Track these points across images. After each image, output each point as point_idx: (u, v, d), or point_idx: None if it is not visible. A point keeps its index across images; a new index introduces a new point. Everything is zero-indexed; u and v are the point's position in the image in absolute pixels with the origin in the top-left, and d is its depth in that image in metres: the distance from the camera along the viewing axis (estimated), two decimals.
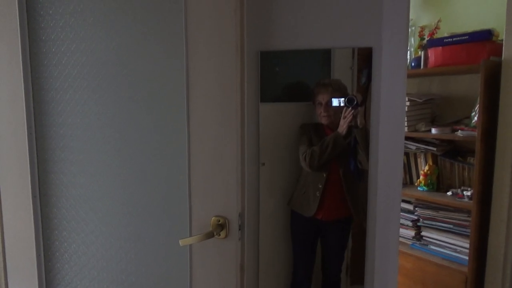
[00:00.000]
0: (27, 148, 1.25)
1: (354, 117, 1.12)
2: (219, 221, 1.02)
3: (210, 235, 0.99)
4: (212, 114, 1.01)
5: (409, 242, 2.24)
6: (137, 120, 1.15)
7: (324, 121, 1.18)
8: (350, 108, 1.12)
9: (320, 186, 1.20)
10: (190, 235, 1.05)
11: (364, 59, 1.09)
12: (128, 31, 1.13)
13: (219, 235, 1.02)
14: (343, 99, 1.13)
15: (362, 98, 1.11)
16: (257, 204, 1.20)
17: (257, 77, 1.16)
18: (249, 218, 1.16)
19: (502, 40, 1.81)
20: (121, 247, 1.23)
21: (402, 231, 2.27)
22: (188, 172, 1.05)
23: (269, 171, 1.21)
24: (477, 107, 1.88)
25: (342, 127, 1.14)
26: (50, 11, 1.21)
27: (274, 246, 1.26)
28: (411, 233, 2.23)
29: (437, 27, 2.25)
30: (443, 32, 2.21)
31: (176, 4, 1.05)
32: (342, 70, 1.14)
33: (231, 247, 1.03)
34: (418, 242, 2.20)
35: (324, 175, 1.20)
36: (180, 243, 0.99)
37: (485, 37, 1.89)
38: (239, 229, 1.03)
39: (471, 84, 2.15)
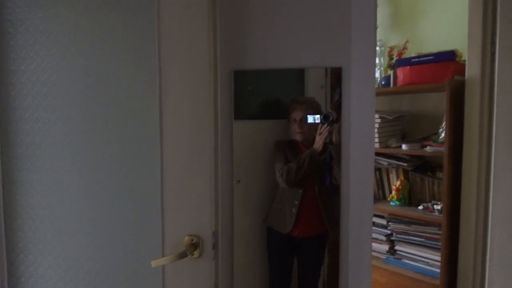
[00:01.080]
0: None
1: (330, 133, 1.14)
2: (193, 240, 1.01)
3: (183, 255, 0.98)
4: (185, 132, 1.01)
5: (383, 257, 2.27)
6: (108, 139, 1.14)
7: (298, 137, 1.19)
8: (326, 124, 1.14)
9: (296, 203, 1.20)
10: (163, 255, 1.03)
11: (336, 77, 1.12)
12: (100, 50, 1.13)
13: (193, 254, 1.01)
14: (318, 116, 1.15)
15: (336, 115, 1.14)
16: (231, 222, 1.19)
17: (231, 95, 1.17)
18: (224, 236, 1.15)
19: (465, 60, 1.91)
20: (91, 269, 1.19)
21: (376, 245, 2.30)
22: (161, 191, 1.03)
23: (245, 188, 1.21)
24: (444, 124, 1.96)
25: (318, 143, 1.16)
26: (20, 29, 1.19)
27: (250, 264, 1.25)
28: (385, 247, 2.27)
29: (405, 48, 2.35)
30: (411, 52, 2.31)
31: (150, 24, 1.06)
32: (316, 88, 1.16)
33: (205, 267, 1.02)
34: (392, 257, 2.24)
35: (300, 191, 1.20)
36: (152, 264, 0.97)
37: (449, 57, 1.99)
38: (213, 248, 1.02)
39: (438, 102, 2.24)
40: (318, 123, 1.15)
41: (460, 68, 1.96)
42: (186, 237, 1.01)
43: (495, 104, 1.75)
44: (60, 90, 1.16)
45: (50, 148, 1.19)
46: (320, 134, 1.15)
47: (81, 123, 1.16)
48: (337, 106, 1.14)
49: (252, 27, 1.13)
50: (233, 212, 1.19)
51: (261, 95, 1.20)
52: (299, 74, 1.16)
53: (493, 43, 1.76)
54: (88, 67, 1.14)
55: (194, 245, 1.00)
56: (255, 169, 1.23)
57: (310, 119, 1.16)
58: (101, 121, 1.14)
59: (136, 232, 1.13)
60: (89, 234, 1.17)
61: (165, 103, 1.02)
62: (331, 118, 1.13)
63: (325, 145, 1.15)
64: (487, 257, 1.81)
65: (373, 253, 2.30)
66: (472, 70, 1.84)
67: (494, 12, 1.75)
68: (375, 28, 1.13)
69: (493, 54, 1.77)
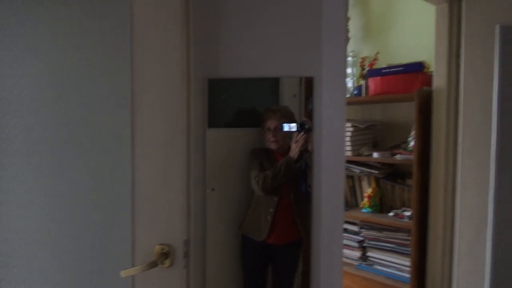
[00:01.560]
0: None
1: (306, 141, 1.16)
2: (164, 249, 0.99)
3: (153, 265, 0.96)
4: (157, 140, 1.00)
5: (356, 263, 2.30)
6: (77, 145, 1.11)
7: (273, 146, 1.20)
8: (302, 132, 1.16)
9: (272, 210, 1.21)
10: (133, 265, 1.01)
11: (310, 87, 1.15)
12: (69, 58, 1.11)
13: (164, 264, 0.99)
14: (293, 124, 1.17)
15: (311, 123, 1.16)
16: (204, 230, 1.19)
17: (204, 103, 1.17)
18: (196, 245, 1.14)
19: (432, 71, 1.99)
20: (59, 281, 1.15)
21: (349, 252, 2.33)
22: (132, 200, 1.02)
23: (219, 196, 1.21)
24: (413, 133, 2.03)
25: (294, 151, 1.17)
26: None
27: (224, 272, 1.24)
28: (357, 254, 2.30)
29: (376, 59, 2.42)
30: (382, 63, 2.39)
31: (123, 32, 1.05)
32: (290, 97, 1.18)
33: (176, 276, 1.00)
34: (364, 263, 2.28)
35: (276, 199, 1.21)
36: (121, 274, 0.95)
37: (417, 68, 2.07)
38: (185, 257, 1.01)
39: (408, 111, 2.31)
40: (293, 131, 1.16)
41: (428, 79, 2.04)
42: (157, 246, 1.00)
43: (460, 114, 1.83)
44: (29, 108, 1.13)
45: (16, 156, 1.15)
46: (296, 142, 1.16)
47: (49, 131, 1.13)
48: (311, 115, 1.16)
49: (226, 36, 1.14)
50: (206, 220, 1.19)
51: (236, 104, 1.20)
52: (274, 83, 1.17)
53: (458, 56, 1.85)
54: (55, 74, 1.11)
55: (165, 254, 0.99)
56: (230, 177, 1.23)
57: (286, 127, 1.17)
58: (70, 129, 1.11)
59: (106, 242, 1.11)
60: (58, 244, 1.14)
61: (137, 110, 1.01)
62: (307, 126, 1.15)
63: (301, 153, 1.16)
64: (454, 262, 1.87)
65: (346, 260, 2.33)
66: (439, 81, 1.92)
67: (459, 27, 1.84)
68: (346, 39, 1.16)
69: (458, 66, 1.85)
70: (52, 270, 1.15)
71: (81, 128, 1.11)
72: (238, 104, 1.21)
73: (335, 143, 1.18)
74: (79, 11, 1.11)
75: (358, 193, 2.46)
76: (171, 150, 0.99)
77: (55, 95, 1.12)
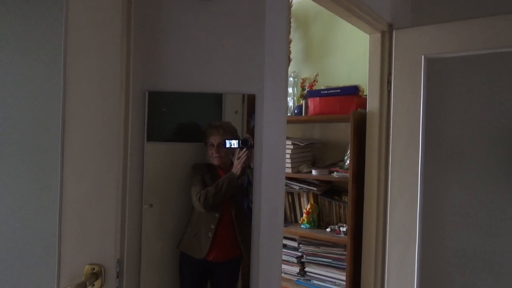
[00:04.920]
0: None
1: (248, 158, 1.17)
2: (94, 269, 0.93)
3: (81, 286, 0.90)
4: (90, 152, 0.95)
5: (294, 279, 2.33)
6: (2, 156, 1.02)
7: (215, 162, 1.20)
8: (245, 149, 1.16)
9: (213, 227, 1.20)
10: (58, 287, 0.94)
11: (253, 104, 1.17)
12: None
13: (93, 285, 0.93)
14: (236, 141, 1.17)
15: (253, 140, 1.17)
16: (139, 248, 1.14)
17: (143, 116, 1.14)
18: (130, 264, 1.09)
19: (366, 95, 2.13)
20: None
21: (288, 268, 2.36)
22: (59, 215, 0.95)
23: (158, 213, 1.17)
24: (348, 152, 2.13)
25: (237, 167, 1.17)
26: None
27: None
28: (296, 269, 2.34)
29: (315, 80, 2.53)
30: (321, 84, 2.51)
31: (56, 36, 1.00)
32: (232, 113, 1.19)
33: None
34: (302, 278, 2.32)
35: (217, 215, 1.20)
36: None
37: (353, 91, 2.20)
38: (117, 277, 0.96)
39: (344, 131, 2.44)
40: (235, 148, 1.17)
41: (363, 102, 2.17)
42: (87, 266, 0.94)
43: (390, 135, 1.97)
44: None
45: None
46: (239, 158, 1.17)
47: None
48: (254, 132, 1.18)
49: (168, 49, 1.13)
50: (141, 238, 1.14)
51: (178, 118, 1.19)
52: (217, 99, 1.18)
53: (389, 82, 2.00)
54: None
55: (96, 275, 0.93)
56: (169, 193, 1.19)
57: (228, 144, 1.18)
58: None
59: (28, 261, 1.01)
60: None
61: (69, 120, 0.95)
62: (249, 143, 1.16)
63: (243, 169, 1.17)
64: (386, 275, 1.97)
65: (285, 275, 2.35)
66: (372, 105, 2.05)
67: (390, 55, 2.00)
68: (287, 60, 1.21)
69: (389, 91, 2.00)
70: None
71: (5, 136, 1.02)
72: (180, 118, 1.19)
73: (276, 160, 1.21)
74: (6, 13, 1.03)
75: (297, 209, 2.52)
76: (105, 163, 0.94)
77: None
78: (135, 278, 1.13)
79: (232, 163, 1.18)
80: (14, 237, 1.02)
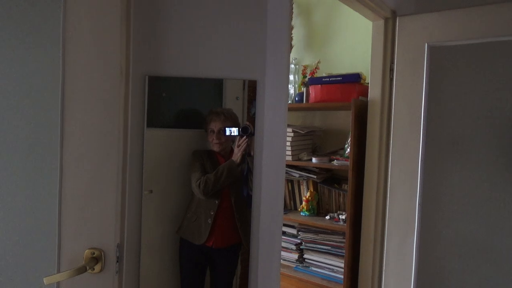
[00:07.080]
0: None
1: (248, 145, 1.16)
2: (94, 253, 0.94)
3: (81, 270, 0.90)
4: (90, 137, 0.94)
5: (293, 265, 2.36)
6: (2, 142, 1.01)
7: (216, 148, 1.19)
8: (245, 136, 1.16)
9: (212, 213, 1.20)
10: (58, 271, 0.94)
11: (254, 90, 1.15)
12: None
13: (93, 269, 0.93)
14: (236, 128, 1.17)
15: (253, 127, 1.17)
16: (139, 234, 1.14)
17: (143, 102, 1.13)
18: (130, 248, 1.09)
19: (368, 83, 2.11)
20: None
21: (287, 254, 2.38)
22: (59, 200, 0.95)
23: (158, 198, 1.17)
24: (349, 140, 2.13)
25: (237, 155, 1.17)
26: None
27: (161, 277, 1.20)
28: (295, 256, 2.36)
29: (317, 67, 2.51)
30: (322, 72, 2.48)
31: (54, 31, 0.98)
32: (233, 99, 1.18)
33: (107, 282, 0.95)
34: (300, 265, 2.34)
35: (216, 202, 1.20)
36: (44, 281, 0.87)
37: (354, 79, 2.18)
38: (117, 262, 0.96)
39: (345, 119, 2.43)
40: (236, 135, 1.16)
41: (365, 90, 2.16)
42: (87, 251, 0.94)
43: (392, 124, 1.96)
44: None
45: None
46: (239, 146, 1.16)
47: None
48: (254, 119, 1.17)
49: (169, 33, 1.12)
50: (141, 223, 1.14)
51: (177, 104, 1.18)
52: (218, 85, 1.17)
53: (391, 70, 1.98)
54: None
55: (95, 259, 0.93)
56: (169, 179, 1.19)
57: (228, 131, 1.17)
58: None
59: (29, 244, 1.02)
60: None
61: (68, 105, 0.94)
62: (249, 131, 1.16)
63: (243, 156, 1.17)
64: (384, 263, 1.99)
65: (284, 262, 2.38)
66: (373, 93, 2.04)
67: (393, 43, 1.97)
68: (289, 46, 1.19)
69: (391, 79, 1.98)
70: None
71: (4, 122, 1.02)
72: (180, 104, 1.18)
73: (276, 148, 1.20)
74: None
75: (297, 197, 2.52)
76: (105, 148, 0.94)
77: None
78: (135, 263, 1.13)
79: (232, 150, 1.18)
80: (14, 222, 1.02)
